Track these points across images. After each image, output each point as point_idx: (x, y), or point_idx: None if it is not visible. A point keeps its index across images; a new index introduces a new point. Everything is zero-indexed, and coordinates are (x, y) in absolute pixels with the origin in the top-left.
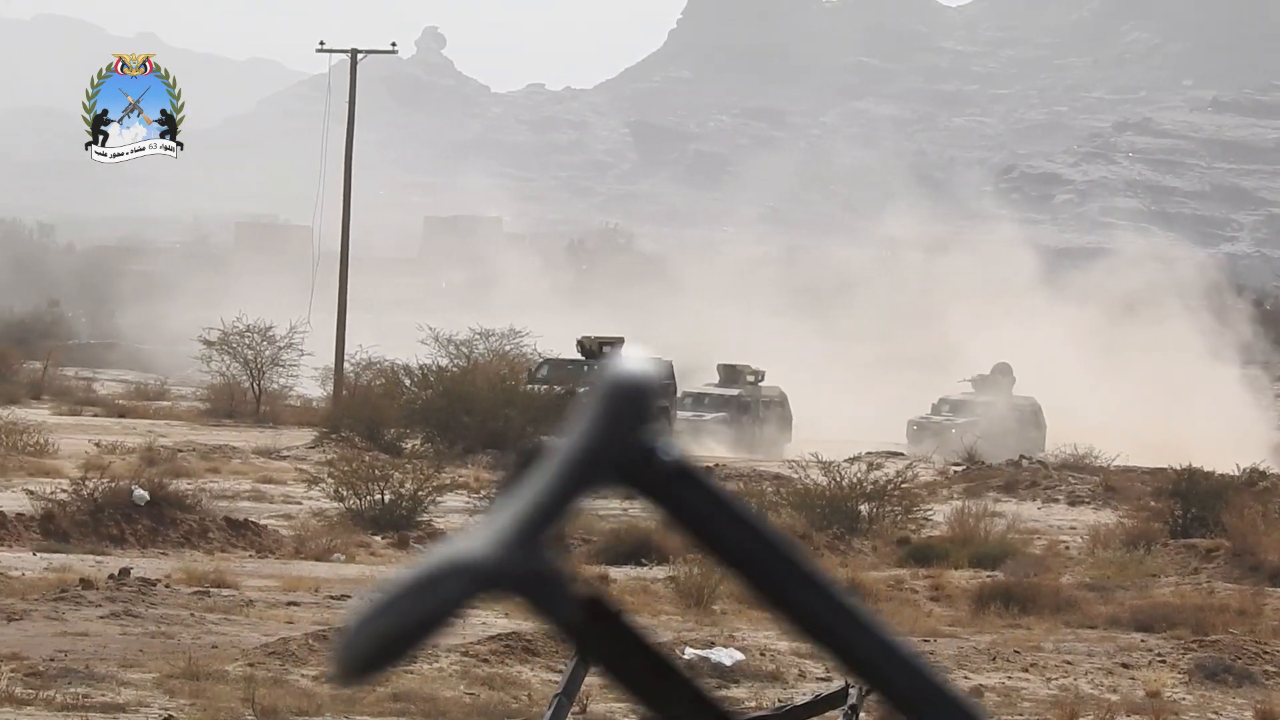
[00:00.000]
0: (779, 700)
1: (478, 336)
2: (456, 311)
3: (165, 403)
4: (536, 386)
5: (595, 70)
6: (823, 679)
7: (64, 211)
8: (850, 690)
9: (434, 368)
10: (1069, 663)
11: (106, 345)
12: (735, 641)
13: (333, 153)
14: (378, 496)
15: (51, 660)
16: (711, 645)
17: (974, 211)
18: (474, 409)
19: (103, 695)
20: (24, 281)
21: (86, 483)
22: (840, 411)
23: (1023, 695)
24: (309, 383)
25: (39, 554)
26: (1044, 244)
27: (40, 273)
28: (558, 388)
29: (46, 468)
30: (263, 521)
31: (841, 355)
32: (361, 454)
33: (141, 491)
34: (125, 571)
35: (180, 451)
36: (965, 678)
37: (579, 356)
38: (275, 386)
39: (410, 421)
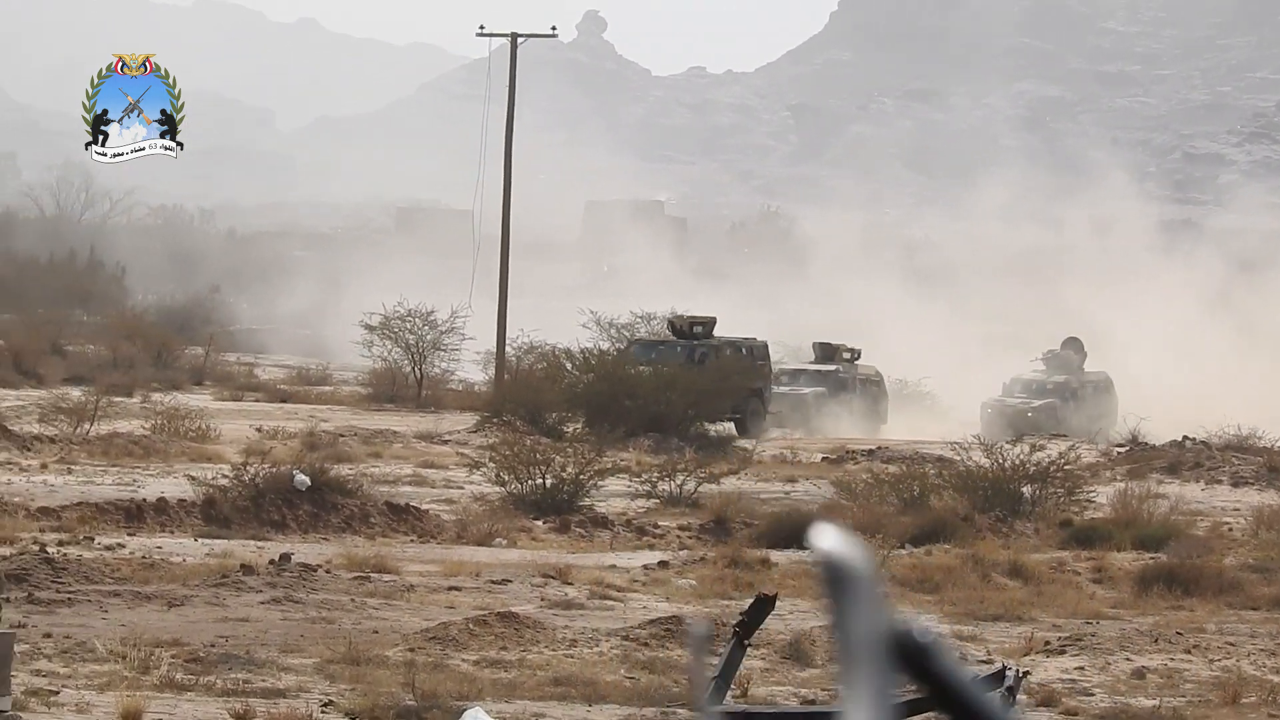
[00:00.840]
0: None
1: (639, 320)
2: (617, 295)
3: (327, 388)
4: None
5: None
6: (982, 661)
7: (224, 197)
8: (1007, 672)
9: (595, 351)
10: (1232, 644)
11: (268, 330)
12: None
13: (493, 137)
14: (539, 481)
15: (212, 646)
16: None
17: (1136, 193)
18: (635, 393)
19: (263, 680)
20: (185, 267)
21: (248, 468)
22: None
23: (1185, 677)
24: (470, 367)
25: (200, 540)
26: (1207, 225)
27: (201, 259)
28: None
29: (208, 453)
30: (424, 506)
31: (998, 337)
32: (523, 438)
33: (303, 477)
34: (286, 557)
35: (342, 436)
36: (1128, 659)
37: (670, 336)
38: (437, 371)
39: (572, 405)
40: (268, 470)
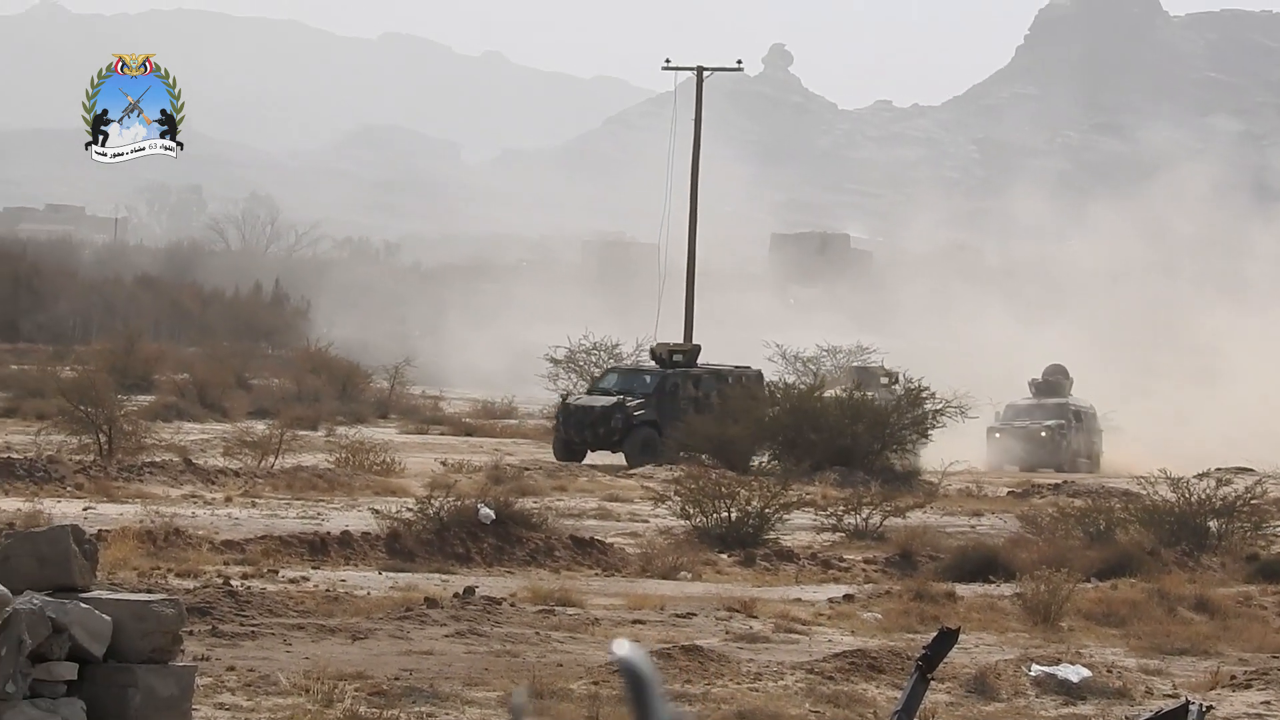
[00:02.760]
0: (1125, 717)
1: (824, 353)
2: (803, 328)
3: (512, 421)
4: (594, 394)
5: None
6: (1168, 695)
7: (409, 230)
8: (1191, 707)
9: (781, 384)
10: None
11: (453, 364)
12: (1082, 658)
13: (679, 170)
14: (724, 514)
15: (396, 679)
16: (1058, 662)
17: None
18: (821, 425)
19: (447, 714)
20: (370, 301)
21: (433, 502)
22: (1196, 432)
23: None
24: None
25: (384, 573)
26: None
27: (386, 292)
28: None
29: (393, 487)
30: (609, 539)
31: (1186, 373)
32: (708, 471)
33: (488, 510)
34: (470, 590)
35: (527, 469)
36: None
37: (649, 364)
38: None
39: (757, 438)
40: (452, 504)
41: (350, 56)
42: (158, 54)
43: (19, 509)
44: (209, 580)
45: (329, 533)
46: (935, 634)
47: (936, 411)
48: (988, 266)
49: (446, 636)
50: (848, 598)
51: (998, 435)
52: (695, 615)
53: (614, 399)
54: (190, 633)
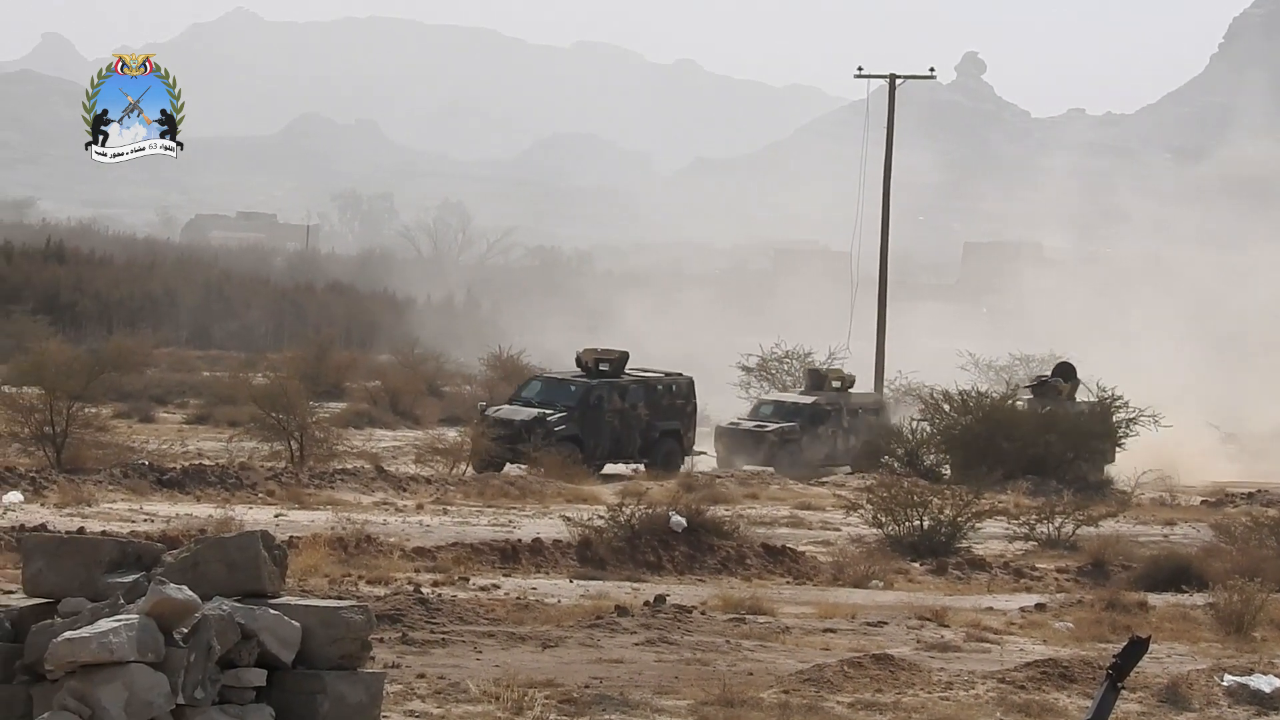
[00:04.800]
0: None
1: (1017, 362)
2: (996, 337)
3: (704, 429)
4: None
5: (1136, 95)
6: None
7: (601, 238)
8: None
9: (973, 393)
10: None
11: (645, 370)
12: (1275, 669)
13: (871, 178)
14: (917, 522)
15: (586, 687)
16: (1251, 672)
17: None
18: (1014, 435)
19: None
20: (562, 308)
21: (624, 510)
22: None
23: None
24: None
25: (575, 581)
26: None
27: (578, 299)
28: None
29: (584, 495)
30: (800, 548)
31: None
32: (900, 480)
33: (679, 518)
34: (661, 598)
35: (718, 477)
36: None
37: (574, 373)
38: None
39: (950, 447)
40: (644, 512)
41: (543, 65)
42: (346, 59)
43: (210, 515)
44: (400, 587)
45: (520, 540)
46: (1126, 643)
47: (1129, 420)
48: (1179, 277)
49: (637, 644)
50: (1040, 607)
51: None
52: (886, 624)
53: (534, 413)
54: (380, 640)
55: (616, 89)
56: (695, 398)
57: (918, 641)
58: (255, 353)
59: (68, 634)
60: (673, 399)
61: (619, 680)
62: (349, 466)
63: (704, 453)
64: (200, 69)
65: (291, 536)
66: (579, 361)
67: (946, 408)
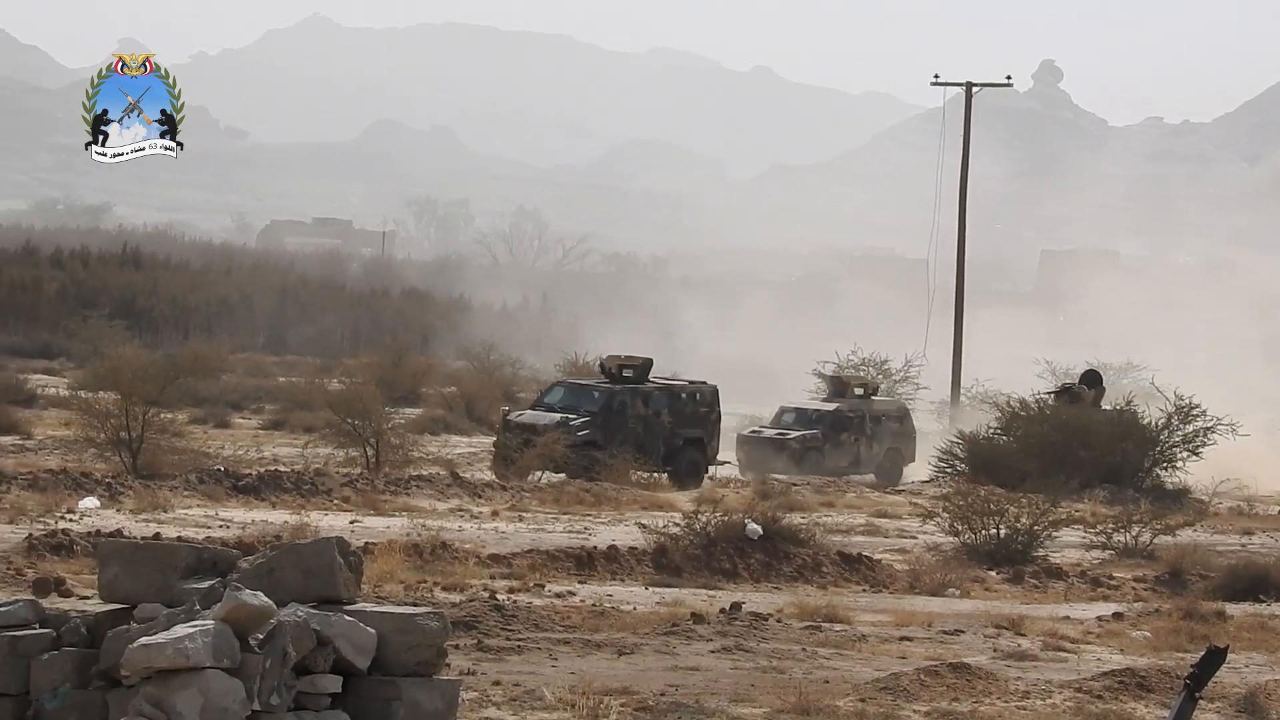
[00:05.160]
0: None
1: (1093, 369)
2: (1073, 345)
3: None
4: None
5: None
6: None
7: (677, 245)
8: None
9: (1050, 401)
10: None
11: (719, 378)
12: None
13: (948, 185)
14: (993, 531)
15: (662, 695)
16: None
17: None
18: (1090, 443)
19: None
20: (638, 314)
21: (699, 517)
22: None
23: None
24: (924, 416)
25: (651, 588)
26: None
27: (653, 306)
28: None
29: (659, 501)
30: (877, 556)
31: None
32: (976, 488)
33: (755, 526)
34: (737, 606)
35: (794, 485)
36: None
37: (598, 379)
38: None
39: (1026, 455)
40: (719, 519)
41: (619, 71)
42: (422, 65)
43: (286, 521)
44: (475, 594)
45: (595, 547)
46: (1204, 653)
47: (1207, 429)
48: (1251, 283)
49: (713, 652)
50: (1117, 616)
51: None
52: (963, 632)
53: (557, 418)
54: (456, 646)
55: (692, 96)
56: (719, 406)
57: (994, 650)
58: (331, 358)
59: (143, 640)
60: (696, 407)
61: (694, 688)
62: (424, 473)
63: (727, 461)
64: (276, 75)
65: (367, 543)
66: (603, 367)
67: (1023, 415)
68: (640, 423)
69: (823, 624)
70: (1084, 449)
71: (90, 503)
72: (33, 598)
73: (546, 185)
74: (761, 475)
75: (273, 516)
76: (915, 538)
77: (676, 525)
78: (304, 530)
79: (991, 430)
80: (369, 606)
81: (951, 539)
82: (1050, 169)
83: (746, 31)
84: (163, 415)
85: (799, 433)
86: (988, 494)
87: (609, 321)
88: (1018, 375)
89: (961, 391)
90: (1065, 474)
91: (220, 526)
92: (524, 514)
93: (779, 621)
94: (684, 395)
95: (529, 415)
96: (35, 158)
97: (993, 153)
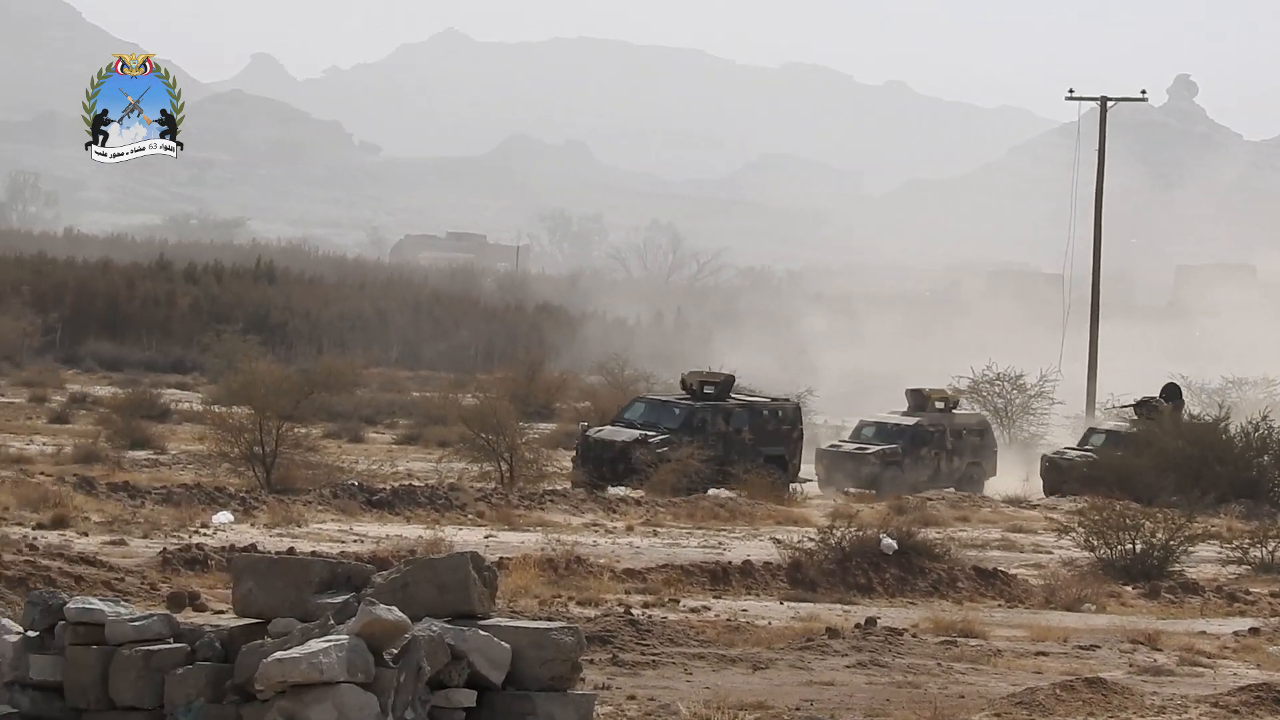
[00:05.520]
0: None
1: (1230, 385)
2: (1210, 360)
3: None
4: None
5: None
6: None
7: (812, 259)
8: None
9: (1185, 416)
10: None
11: (852, 393)
12: None
13: (1082, 200)
14: (1129, 546)
15: (796, 709)
16: None
17: None
18: (1225, 458)
19: None
20: (774, 329)
21: (834, 531)
22: None
23: None
24: (1059, 431)
25: (786, 603)
26: None
27: (788, 320)
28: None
29: (794, 516)
30: (1012, 571)
31: None
32: (1112, 503)
33: (890, 540)
34: (872, 620)
35: (929, 500)
36: None
37: (679, 396)
38: (1025, 435)
39: (1161, 470)
40: (854, 534)
41: (752, 85)
42: (555, 80)
43: (420, 536)
44: (610, 609)
45: (730, 562)
46: None
47: None
48: None
49: (848, 667)
50: (1254, 631)
51: (1046, 464)
52: (1099, 647)
53: (635, 434)
54: (591, 661)
55: (826, 110)
56: (802, 423)
57: (1130, 665)
58: (465, 373)
59: (278, 654)
60: (778, 424)
61: (830, 703)
62: (559, 487)
63: (810, 480)
64: (409, 90)
65: (501, 557)
66: (684, 383)
67: (1158, 430)
68: (721, 439)
69: (958, 639)
70: (1219, 464)
71: (224, 517)
72: (167, 612)
73: (680, 200)
74: (839, 490)
75: (407, 531)
76: (1051, 552)
77: (811, 540)
78: (438, 545)
79: (1085, 452)
80: (503, 621)
81: (1087, 554)
82: (1184, 183)
83: (880, 46)
84: (297, 430)
85: (878, 447)
86: (1123, 509)
87: (742, 336)
88: (1153, 390)
89: (1096, 406)
90: (1201, 489)
91: (354, 541)
92: (658, 528)
93: (914, 636)
94: (765, 412)
95: (608, 431)
96: (169, 172)
97: (1127, 166)
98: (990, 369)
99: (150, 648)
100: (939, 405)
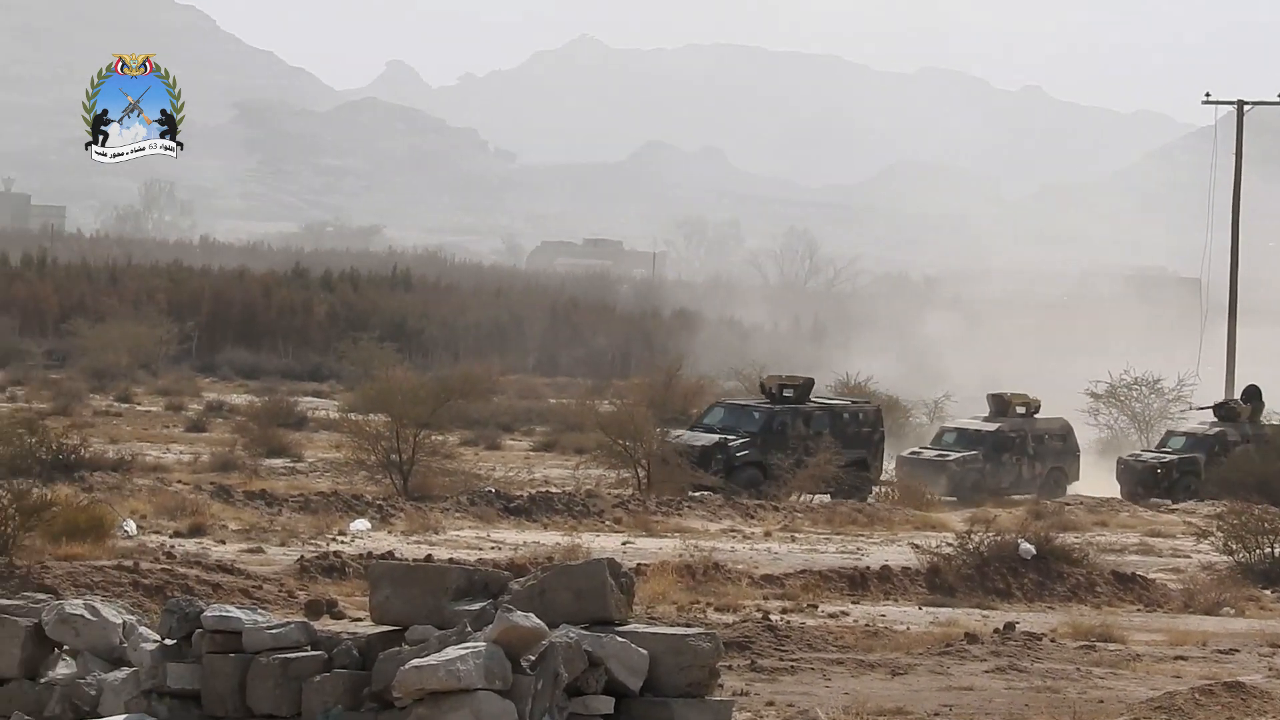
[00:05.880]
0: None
1: None
2: None
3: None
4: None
5: None
6: None
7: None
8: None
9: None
10: None
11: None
12: None
13: (1220, 204)
14: (1268, 549)
15: (935, 715)
16: None
17: None
18: None
19: None
20: (908, 334)
21: (972, 537)
22: None
23: None
24: None
25: (924, 608)
26: None
27: (923, 326)
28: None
29: (933, 522)
30: (1150, 575)
31: None
32: (1251, 507)
33: (1028, 545)
34: (1010, 626)
35: (1067, 505)
36: None
37: (759, 400)
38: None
39: None
40: (992, 539)
41: (888, 91)
42: (690, 86)
43: (557, 543)
44: (748, 615)
45: (869, 567)
46: None
47: None
48: None
49: (986, 672)
50: None
51: (1122, 467)
52: (1238, 651)
53: (716, 438)
54: (729, 667)
55: (962, 115)
56: (883, 426)
57: (1270, 669)
58: (602, 379)
59: (415, 661)
60: (859, 427)
61: (969, 708)
62: (696, 494)
63: (891, 483)
64: (544, 96)
65: (639, 564)
66: (763, 387)
67: None
68: (801, 443)
69: (1097, 643)
70: None
71: (361, 525)
72: (304, 620)
73: (817, 205)
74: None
75: (544, 538)
76: (1189, 557)
77: (950, 545)
78: (576, 551)
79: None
80: (641, 627)
81: (1226, 558)
82: None
83: (1016, 51)
84: (433, 437)
85: (959, 454)
86: (1262, 513)
87: (877, 341)
88: None
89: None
90: None
91: (492, 548)
92: (796, 534)
93: (1053, 641)
94: (846, 415)
95: (688, 436)
96: (304, 179)
97: (1267, 171)
98: (1127, 374)
99: (288, 655)
100: (1020, 410)
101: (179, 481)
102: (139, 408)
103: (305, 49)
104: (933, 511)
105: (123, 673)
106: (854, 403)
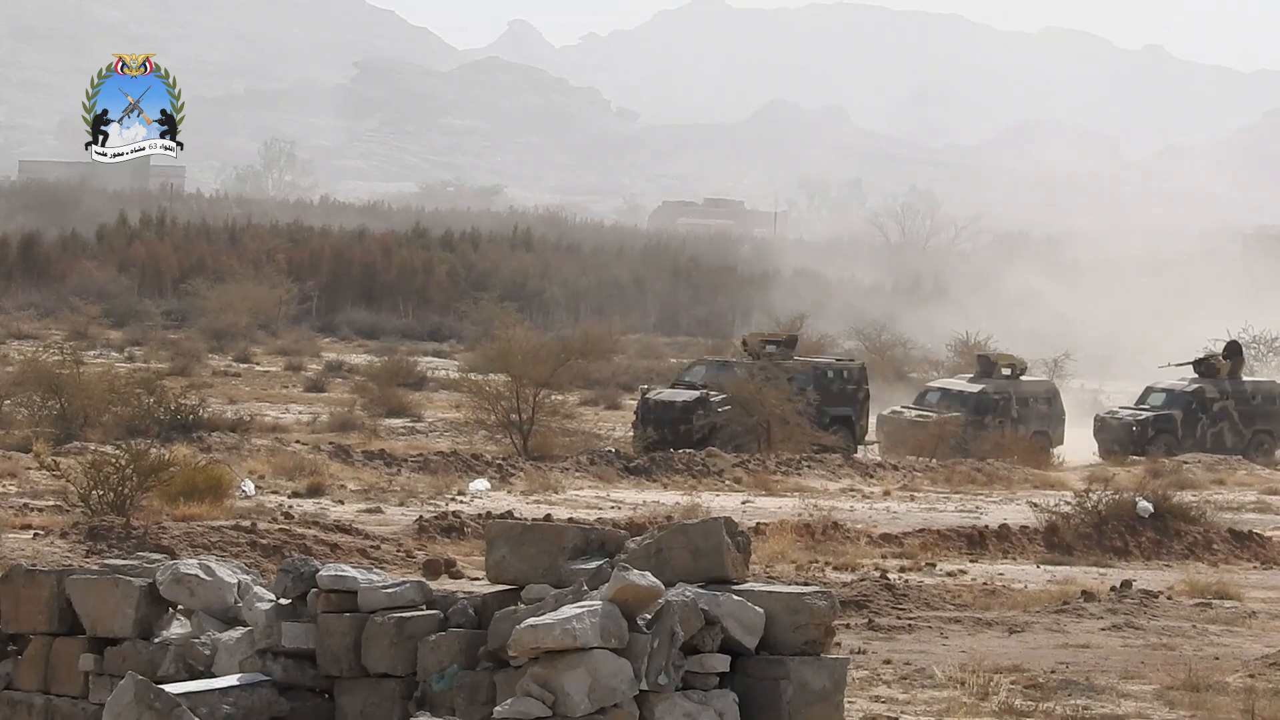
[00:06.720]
0: None
1: None
2: None
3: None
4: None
5: None
6: None
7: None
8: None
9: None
10: None
11: (1111, 357)
12: None
13: None
14: None
15: (1052, 672)
16: None
17: None
18: None
19: (1102, 707)
20: (1028, 294)
21: (1090, 495)
22: None
23: None
24: None
25: (1042, 566)
26: None
27: (1044, 284)
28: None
29: (1051, 480)
30: (1267, 533)
31: None
32: None
33: (1146, 503)
34: (1127, 584)
35: (1185, 463)
36: None
37: (740, 357)
38: None
39: None
40: (1110, 497)
41: (1011, 50)
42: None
43: (677, 502)
44: (866, 573)
45: (987, 526)
46: None
47: None
48: None
49: (1103, 630)
50: None
51: (1098, 423)
52: None
53: (697, 394)
54: (847, 626)
55: (1084, 75)
56: (868, 384)
57: None
58: (722, 339)
59: (531, 620)
60: (844, 384)
61: (1085, 665)
62: (815, 454)
63: (876, 442)
64: (667, 56)
65: (759, 523)
66: (744, 344)
67: None
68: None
69: (1213, 601)
70: None
71: (481, 485)
72: (421, 579)
73: (939, 165)
74: (899, 457)
75: (664, 498)
76: None
77: (1068, 504)
78: (695, 511)
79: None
80: (757, 586)
81: None
82: None
83: (1138, 9)
84: (554, 397)
85: (939, 414)
86: None
87: (998, 301)
88: None
89: None
90: None
91: (611, 507)
92: (915, 494)
93: (1169, 599)
94: (830, 373)
95: (668, 393)
96: (426, 139)
97: None
98: (1246, 332)
99: (403, 614)
100: (1005, 371)
101: (297, 442)
102: (258, 368)
103: (427, 8)
104: (1051, 470)
105: (237, 632)
106: (838, 360)
